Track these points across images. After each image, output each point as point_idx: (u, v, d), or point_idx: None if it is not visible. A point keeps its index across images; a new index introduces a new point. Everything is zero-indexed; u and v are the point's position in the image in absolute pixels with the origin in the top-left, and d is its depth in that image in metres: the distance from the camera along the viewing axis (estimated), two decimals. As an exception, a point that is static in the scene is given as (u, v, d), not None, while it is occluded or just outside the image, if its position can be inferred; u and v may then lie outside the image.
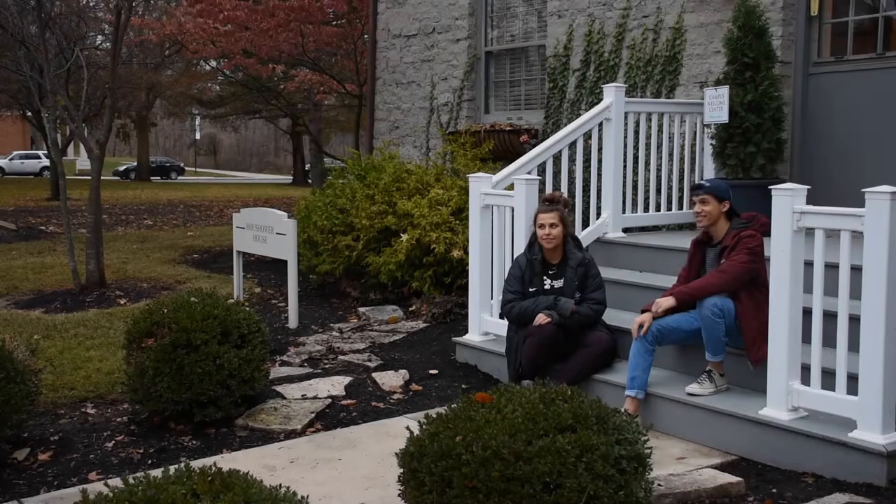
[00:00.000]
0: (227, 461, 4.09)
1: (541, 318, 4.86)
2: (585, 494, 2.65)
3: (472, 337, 5.89)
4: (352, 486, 3.86)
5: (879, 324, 3.69)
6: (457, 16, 9.51)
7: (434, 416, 3.04)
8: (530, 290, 5.07)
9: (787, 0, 6.66)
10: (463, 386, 5.41)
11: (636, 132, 6.94)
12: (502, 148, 8.46)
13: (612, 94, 6.33)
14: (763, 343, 4.25)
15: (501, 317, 5.75)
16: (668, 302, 4.56)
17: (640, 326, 4.54)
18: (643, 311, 4.65)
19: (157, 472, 2.30)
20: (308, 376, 5.57)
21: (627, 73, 7.80)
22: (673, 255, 5.74)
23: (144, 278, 9.24)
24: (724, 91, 6.27)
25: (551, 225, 5.00)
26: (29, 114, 26.22)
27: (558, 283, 5.05)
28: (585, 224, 6.38)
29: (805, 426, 3.98)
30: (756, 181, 6.18)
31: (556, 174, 7.00)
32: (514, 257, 5.42)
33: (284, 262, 7.00)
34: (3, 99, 26.00)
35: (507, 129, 8.56)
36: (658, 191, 6.84)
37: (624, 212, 6.57)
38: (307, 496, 2.45)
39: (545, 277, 5.09)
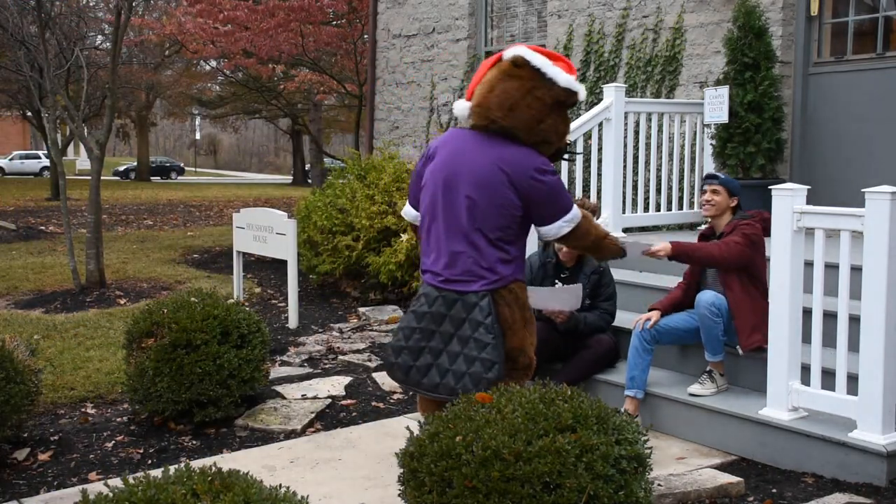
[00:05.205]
0: (227, 461, 4.09)
1: (560, 316, 4.82)
2: (585, 494, 2.65)
3: (472, 337, 5.87)
4: (352, 486, 3.86)
5: (879, 324, 3.69)
6: (457, 16, 9.51)
7: (434, 416, 3.04)
8: None
9: (787, 0, 6.67)
10: (463, 386, 5.41)
11: (636, 132, 6.94)
12: (502, 148, 8.45)
13: (612, 94, 6.33)
14: (755, 332, 4.28)
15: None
16: (662, 306, 4.62)
17: (646, 321, 4.54)
18: (650, 309, 4.66)
19: (157, 472, 2.30)
20: (308, 376, 5.57)
21: (627, 73, 7.80)
22: (673, 255, 5.73)
23: (144, 278, 9.24)
24: (724, 91, 6.27)
25: None
26: (29, 114, 26.21)
27: None
28: (585, 224, 6.38)
29: (805, 426, 3.98)
30: (756, 181, 6.18)
31: (556, 174, 7.00)
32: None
33: (284, 262, 7.00)
34: (3, 99, 26.00)
35: (507, 129, 8.55)
36: (658, 191, 6.84)
37: (624, 212, 6.57)
38: (307, 496, 2.45)
39: (556, 281, 5.06)
